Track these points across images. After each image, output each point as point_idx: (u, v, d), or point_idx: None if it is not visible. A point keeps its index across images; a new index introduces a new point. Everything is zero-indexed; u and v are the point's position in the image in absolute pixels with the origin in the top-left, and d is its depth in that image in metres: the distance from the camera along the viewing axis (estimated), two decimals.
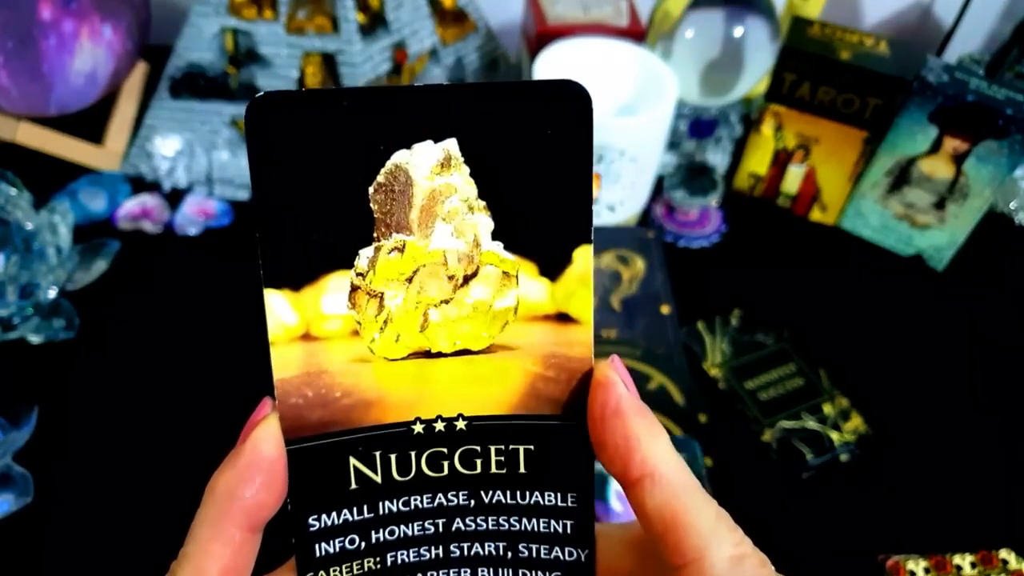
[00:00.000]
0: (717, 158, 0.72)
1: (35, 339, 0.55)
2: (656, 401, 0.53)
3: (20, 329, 0.55)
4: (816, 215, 0.70)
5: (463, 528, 0.20)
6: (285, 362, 0.19)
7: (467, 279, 0.19)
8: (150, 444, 0.51)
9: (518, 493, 0.20)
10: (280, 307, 0.18)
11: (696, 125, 0.70)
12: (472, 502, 0.20)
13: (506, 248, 0.19)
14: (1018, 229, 0.71)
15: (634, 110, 0.62)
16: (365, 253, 0.18)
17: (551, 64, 0.60)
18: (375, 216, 0.18)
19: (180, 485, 0.49)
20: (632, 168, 0.60)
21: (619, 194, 0.62)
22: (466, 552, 0.20)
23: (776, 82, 0.64)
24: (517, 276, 0.19)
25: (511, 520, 0.20)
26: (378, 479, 0.19)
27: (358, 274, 0.18)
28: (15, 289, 0.53)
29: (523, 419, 0.19)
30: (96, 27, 0.60)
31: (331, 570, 0.20)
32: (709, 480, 0.50)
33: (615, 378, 0.19)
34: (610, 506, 0.48)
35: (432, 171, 0.18)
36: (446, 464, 0.19)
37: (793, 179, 0.69)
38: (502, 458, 0.19)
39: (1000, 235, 0.70)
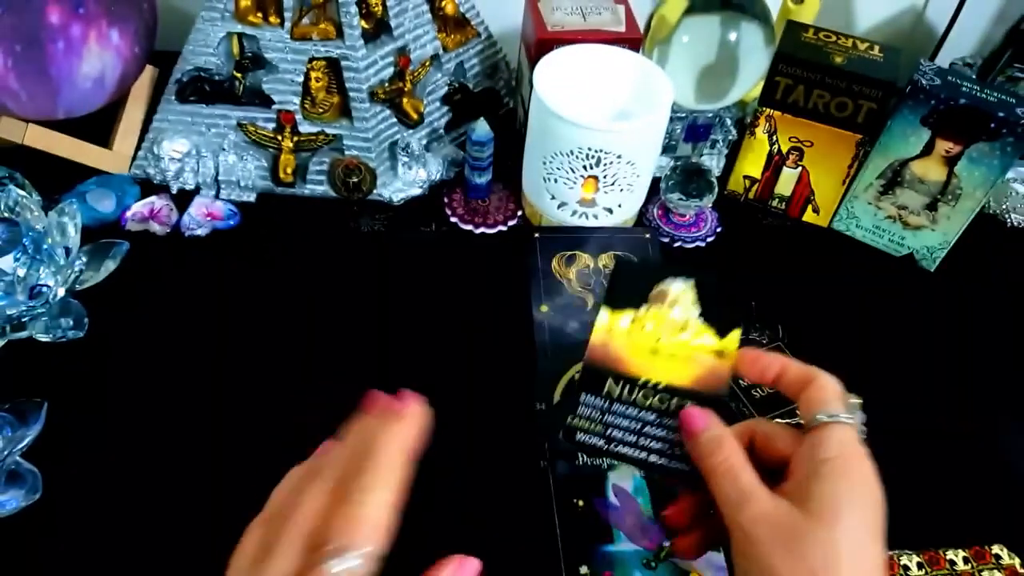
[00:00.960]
0: (712, 161, 0.73)
1: (44, 338, 0.56)
2: None
3: (29, 328, 0.56)
4: (809, 217, 0.71)
5: (649, 430, 0.41)
6: (599, 338, 0.42)
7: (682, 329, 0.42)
8: (158, 442, 0.52)
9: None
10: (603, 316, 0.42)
11: (692, 129, 0.71)
12: (656, 418, 0.41)
13: (704, 319, 0.42)
14: (1010, 230, 0.72)
15: (631, 114, 0.63)
16: (643, 307, 0.42)
17: (550, 69, 0.61)
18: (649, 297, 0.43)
19: (187, 482, 0.50)
20: (629, 171, 0.61)
21: (617, 197, 0.63)
22: (647, 441, 0.41)
23: (770, 86, 0.65)
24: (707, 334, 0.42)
25: (670, 435, 0.41)
26: (616, 393, 0.41)
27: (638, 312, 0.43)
28: (24, 289, 0.54)
29: (690, 391, 0.40)
30: (104, 31, 0.61)
31: (582, 421, 0.42)
32: None
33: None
34: (609, 500, 0.49)
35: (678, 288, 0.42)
36: (650, 400, 0.41)
37: (787, 182, 0.70)
38: (675, 405, 0.40)
39: (992, 236, 0.71)
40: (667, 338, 0.41)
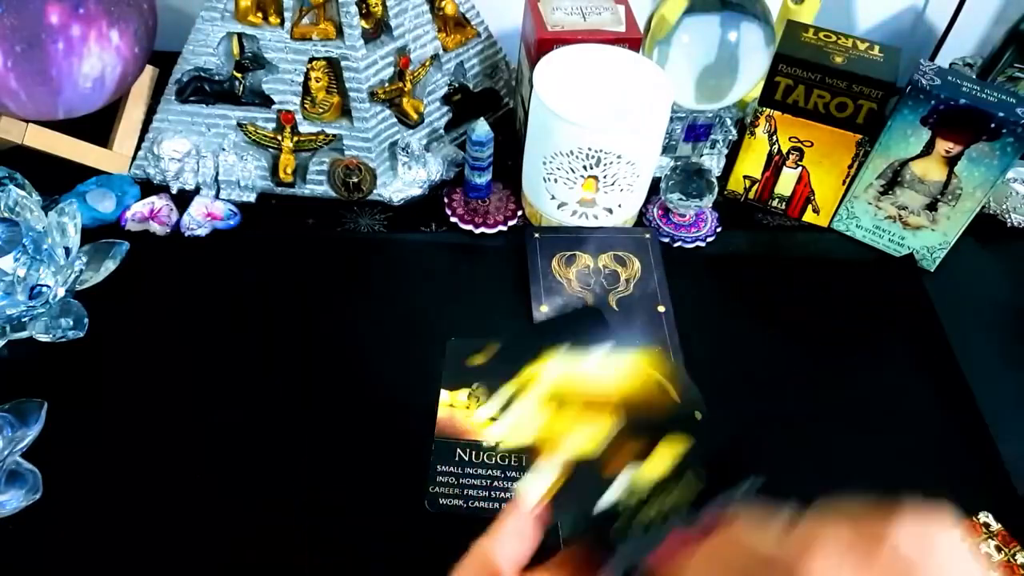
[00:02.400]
0: (712, 161, 0.73)
1: (44, 338, 0.56)
2: None
3: (29, 328, 0.56)
4: (809, 217, 0.71)
5: (498, 484, 0.41)
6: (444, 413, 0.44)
7: None
8: (157, 441, 0.52)
9: None
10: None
11: (692, 129, 0.71)
12: (502, 473, 0.39)
13: None
14: (1009, 230, 0.72)
15: (631, 114, 0.63)
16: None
17: (550, 69, 0.61)
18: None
19: (186, 482, 0.50)
20: (629, 171, 0.61)
21: (616, 197, 0.63)
22: (498, 494, 0.41)
23: (770, 86, 0.65)
24: None
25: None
26: (466, 458, 0.41)
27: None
28: (24, 289, 0.54)
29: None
30: (104, 32, 0.61)
31: (443, 488, 0.43)
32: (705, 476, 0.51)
33: None
34: None
35: None
36: (495, 459, 0.39)
37: (787, 182, 0.70)
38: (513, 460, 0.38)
39: (992, 236, 0.71)
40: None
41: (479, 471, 0.50)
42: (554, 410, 0.32)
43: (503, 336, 0.33)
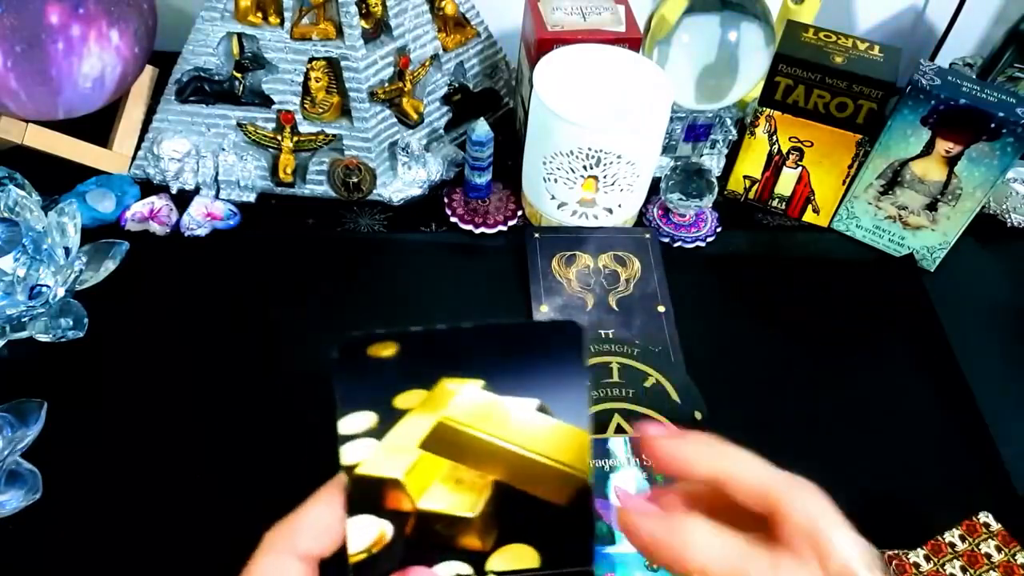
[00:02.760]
0: (712, 161, 0.73)
1: (44, 338, 0.56)
2: (652, 399, 0.54)
3: (29, 328, 0.56)
4: (810, 217, 0.71)
5: None
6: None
7: None
8: (157, 441, 0.52)
9: None
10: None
11: (692, 129, 0.71)
12: None
13: None
14: (1009, 230, 0.72)
15: (631, 114, 0.63)
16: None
17: (550, 69, 0.61)
18: None
19: (186, 483, 0.50)
20: (629, 171, 0.61)
21: (616, 197, 0.63)
22: None
23: (770, 86, 0.65)
24: None
25: None
26: None
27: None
28: (24, 289, 0.54)
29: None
30: (104, 31, 0.61)
31: None
32: None
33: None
34: (610, 503, 0.49)
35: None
36: None
37: (787, 182, 0.70)
38: None
39: (992, 236, 0.71)
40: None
41: None
42: (438, 449, 0.26)
43: (421, 328, 0.26)
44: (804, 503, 0.25)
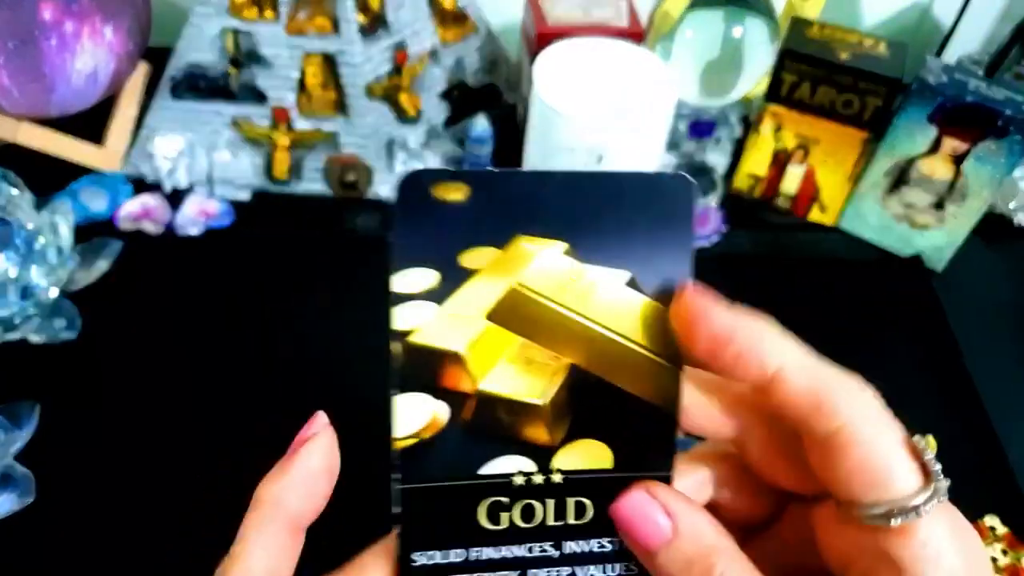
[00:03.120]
0: (716, 158, 0.72)
1: (36, 339, 0.55)
2: None
3: (21, 329, 0.55)
4: (815, 215, 0.70)
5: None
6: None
7: None
8: (151, 443, 0.51)
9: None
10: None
11: (696, 126, 0.70)
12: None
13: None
14: (1017, 229, 0.71)
15: (634, 111, 0.62)
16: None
17: (551, 64, 0.60)
18: None
19: (181, 485, 0.50)
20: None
21: None
22: None
23: (775, 83, 0.64)
24: None
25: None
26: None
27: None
28: (16, 289, 0.53)
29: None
30: (97, 28, 0.60)
31: None
32: None
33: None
34: None
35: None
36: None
37: (792, 180, 0.69)
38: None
39: (999, 235, 0.70)
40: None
41: None
42: (508, 321, 0.22)
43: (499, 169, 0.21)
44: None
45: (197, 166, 0.66)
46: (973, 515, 0.49)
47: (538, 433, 0.22)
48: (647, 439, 0.22)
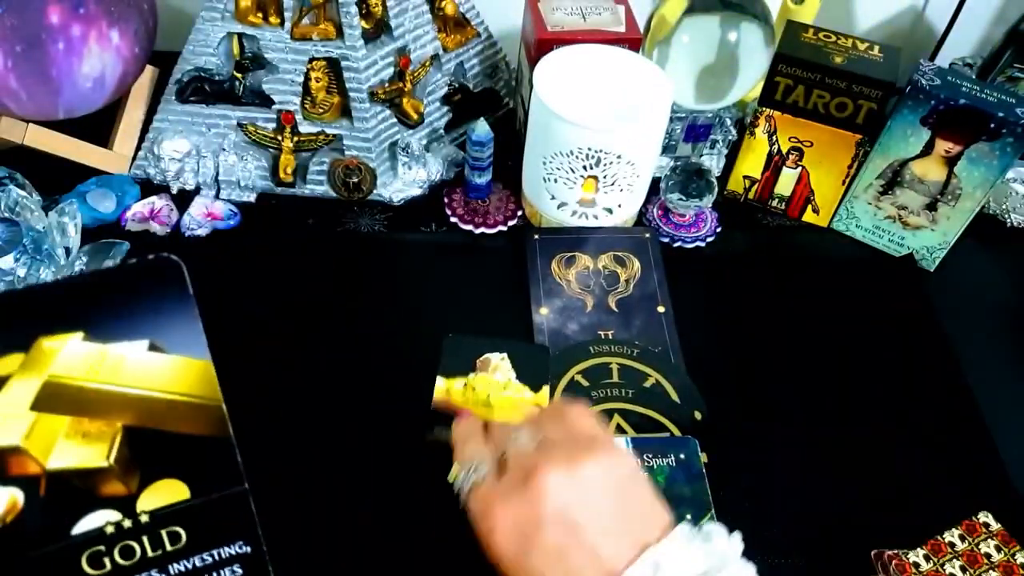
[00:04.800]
0: (712, 161, 0.73)
1: None
2: (652, 399, 0.54)
3: None
4: (809, 217, 0.71)
5: None
6: (440, 396, 0.45)
7: None
8: None
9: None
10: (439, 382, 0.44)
11: (692, 129, 0.71)
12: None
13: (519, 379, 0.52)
14: (1009, 230, 0.72)
15: (631, 115, 0.63)
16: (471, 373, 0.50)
17: (550, 69, 0.61)
18: None
19: None
20: (629, 171, 0.61)
21: (616, 197, 0.63)
22: None
23: (770, 86, 0.65)
24: None
25: None
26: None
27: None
28: None
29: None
30: (104, 32, 0.61)
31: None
32: (707, 476, 0.51)
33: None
34: None
35: None
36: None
37: (787, 182, 0.70)
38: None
39: (992, 236, 0.71)
40: (495, 395, 0.50)
41: None
42: (53, 407, 0.25)
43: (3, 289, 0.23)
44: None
45: (203, 168, 0.67)
46: (967, 512, 0.49)
47: (115, 488, 0.26)
48: (213, 465, 0.27)
